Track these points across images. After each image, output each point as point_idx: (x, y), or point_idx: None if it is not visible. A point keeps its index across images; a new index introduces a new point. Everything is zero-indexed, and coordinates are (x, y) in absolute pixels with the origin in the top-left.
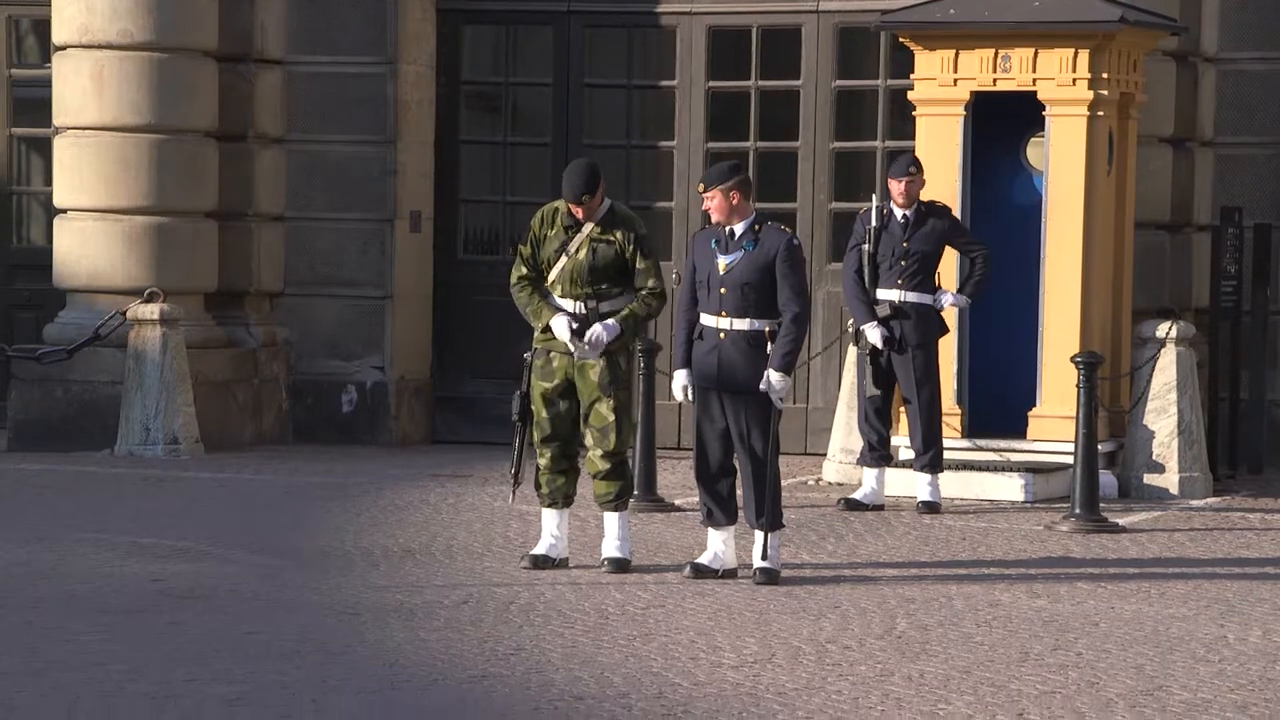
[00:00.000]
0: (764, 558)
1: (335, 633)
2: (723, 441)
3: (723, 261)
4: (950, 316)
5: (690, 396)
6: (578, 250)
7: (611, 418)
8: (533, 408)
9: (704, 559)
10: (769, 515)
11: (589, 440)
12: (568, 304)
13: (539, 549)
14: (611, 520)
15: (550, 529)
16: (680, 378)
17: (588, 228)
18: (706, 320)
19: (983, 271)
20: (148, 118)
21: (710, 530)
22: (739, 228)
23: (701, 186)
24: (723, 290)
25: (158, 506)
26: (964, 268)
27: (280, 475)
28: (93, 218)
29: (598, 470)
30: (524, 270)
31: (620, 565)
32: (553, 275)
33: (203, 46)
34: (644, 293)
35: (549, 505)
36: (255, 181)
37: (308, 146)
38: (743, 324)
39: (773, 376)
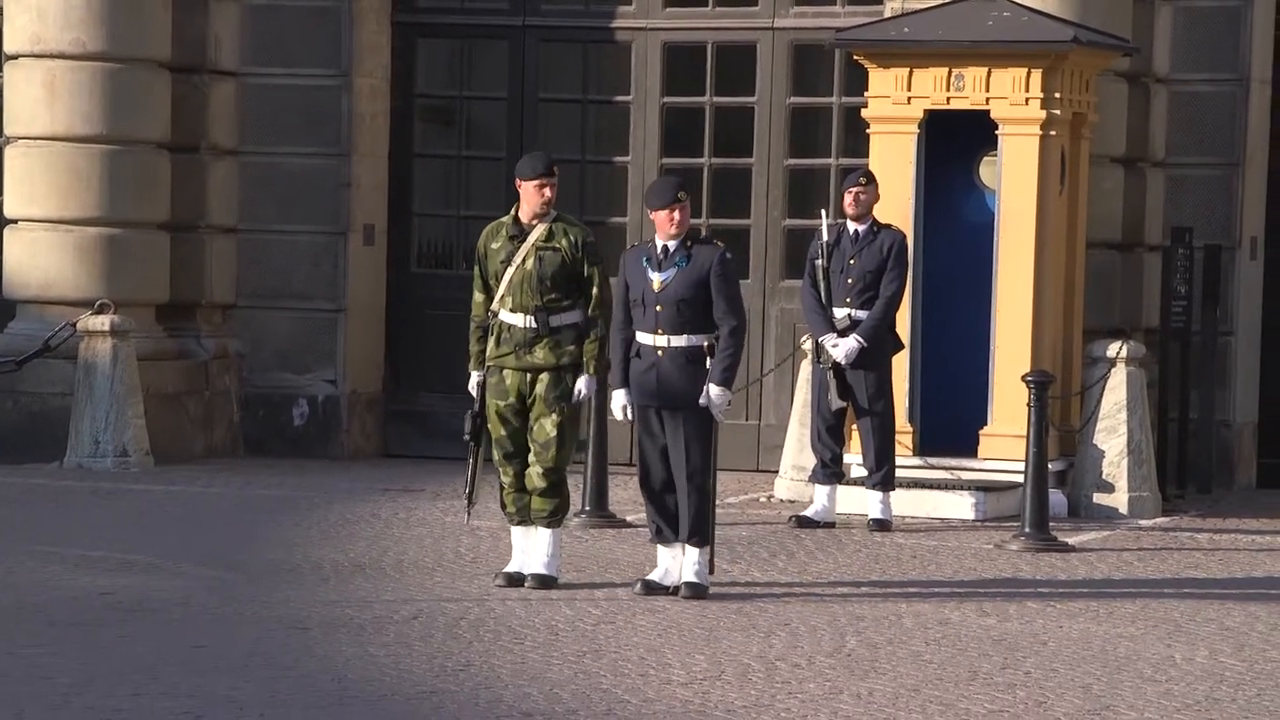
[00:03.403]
0: (694, 573)
1: (284, 647)
2: (664, 458)
3: (657, 279)
4: (904, 334)
5: (630, 415)
6: (524, 260)
7: (553, 433)
8: (489, 427)
9: (654, 575)
10: (701, 530)
11: (534, 459)
12: (518, 318)
13: (511, 567)
14: (544, 536)
15: (520, 547)
16: (620, 397)
17: (533, 236)
18: (643, 338)
19: (877, 316)
20: (99, 128)
21: (659, 547)
22: (671, 244)
23: (674, 200)
24: (658, 308)
25: (107, 519)
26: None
27: (231, 488)
28: (43, 228)
29: (535, 486)
30: (475, 296)
31: (546, 583)
32: (501, 288)
33: (156, 57)
34: (594, 307)
35: (518, 523)
36: (208, 193)
37: (261, 159)
38: (680, 340)
39: (713, 391)
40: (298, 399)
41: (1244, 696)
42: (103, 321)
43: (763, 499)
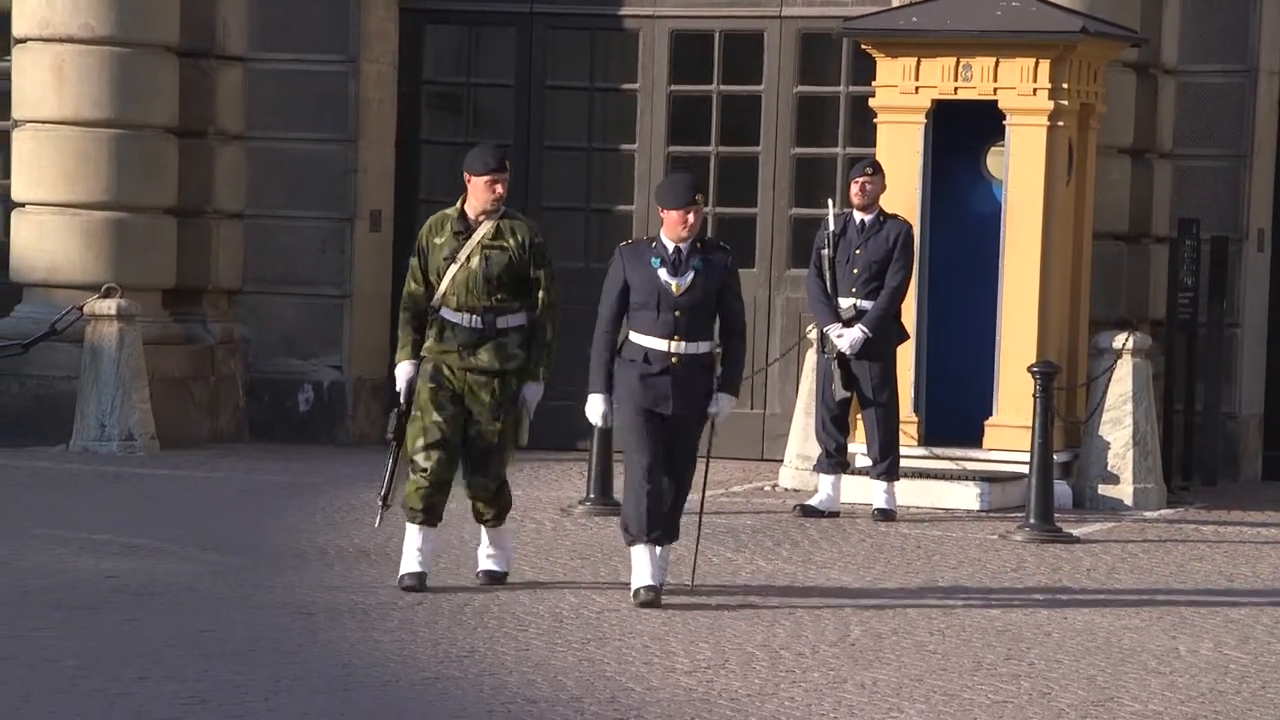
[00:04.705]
0: (651, 576)
1: (289, 632)
2: (661, 467)
3: (676, 282)
4: (909, 324)
5: (609, 423)
6: (469, 258)
7: (495, 441)
8: (418, 412)
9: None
10: (672, 530)
11: (473, 469)
12: (462, 318)
13: (409, 568)
14: (491, 533)
15: (419, 547)
16: (600, 404)
17: (479, 233)
18: (652, 343)
19: (882, 306)
20: (108, 112)
21: (653, 549)
22: (683, 246)
23: (691, 201)
24: (677, 313)
25: (112, 503)
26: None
27: (236, 473)
28: (51, 212)
29: (477, 498)
30: (411, 286)
31: (496, 578)
32: (444, 286)
33: (164, 42)
34: (542, 311)
35: (421, 523)
36: (215, 178)
37: (268, 144)
38: (693, 347)
39: (725, 401)
40: (303, 385)
41: (1249, 689)
42: (109, 305)
43: (767, 488)
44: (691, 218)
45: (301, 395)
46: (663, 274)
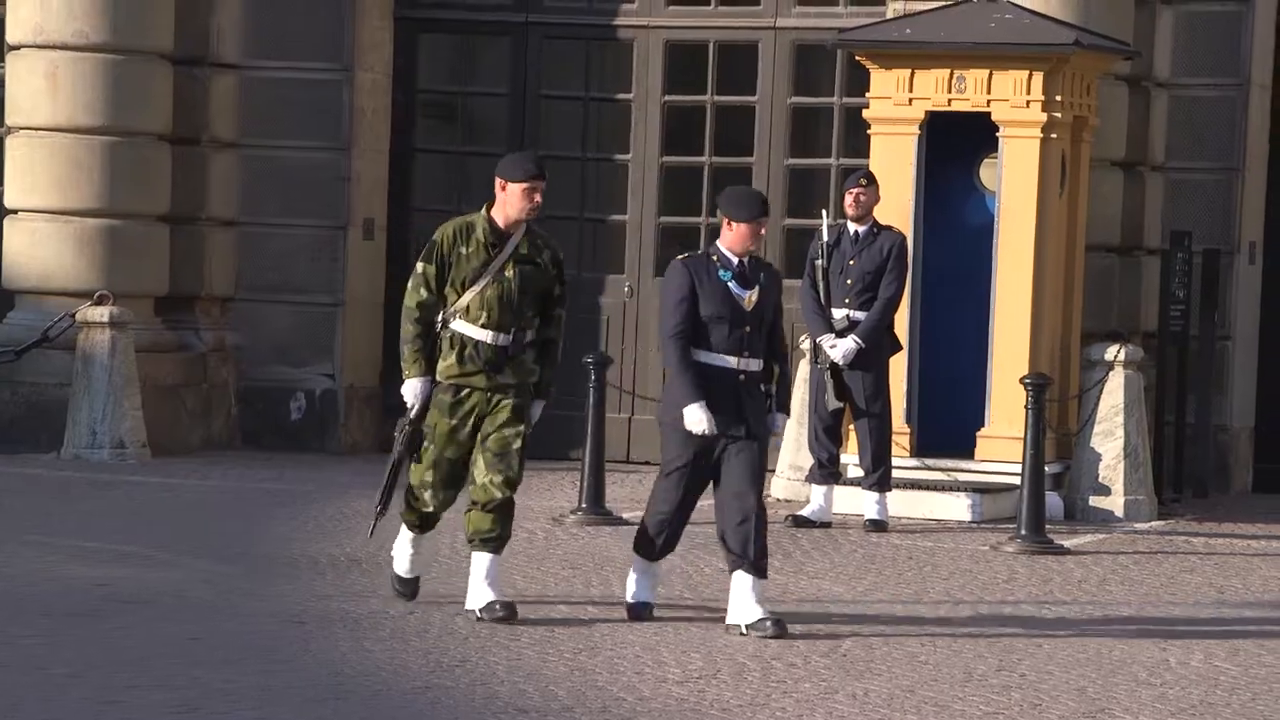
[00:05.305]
0: (759, 606)
1: (280, 641)
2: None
3: (748, 296)
4: (902, 335)
5: (715, 429)
6: (503, 270)
7: (517, 444)
8: (432, 446)
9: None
10: (764, 561)
11: (487, 469)
12: (487, 335)
13: (408, 570)
14: (482, 561)
15: (418, 550)
16: (701, 410)
17: (510, 247)
18: (723, 360)
19: (875, 317)
20: (101, 119)
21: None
22: (747, 259)
23: (764, 212)
24: (747, 329)
25: (103, 510)
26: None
27: (227, 481)
28: (44, 219)
29: (491, 500)
30: (423, 295)
31: (511, 610)
32: (467, 298)
33: (158, 49)
34: (557, 327)
35: (418, 531)
36: (208, 186)
37: (262, 152)
38: (756, 364)
39: (784, 420)
40: (295, 393)
41: (1238, 701)
42: (101, 313)
43: None
44: (764, 230)
45: (293, 403)
46: (734, 287)
